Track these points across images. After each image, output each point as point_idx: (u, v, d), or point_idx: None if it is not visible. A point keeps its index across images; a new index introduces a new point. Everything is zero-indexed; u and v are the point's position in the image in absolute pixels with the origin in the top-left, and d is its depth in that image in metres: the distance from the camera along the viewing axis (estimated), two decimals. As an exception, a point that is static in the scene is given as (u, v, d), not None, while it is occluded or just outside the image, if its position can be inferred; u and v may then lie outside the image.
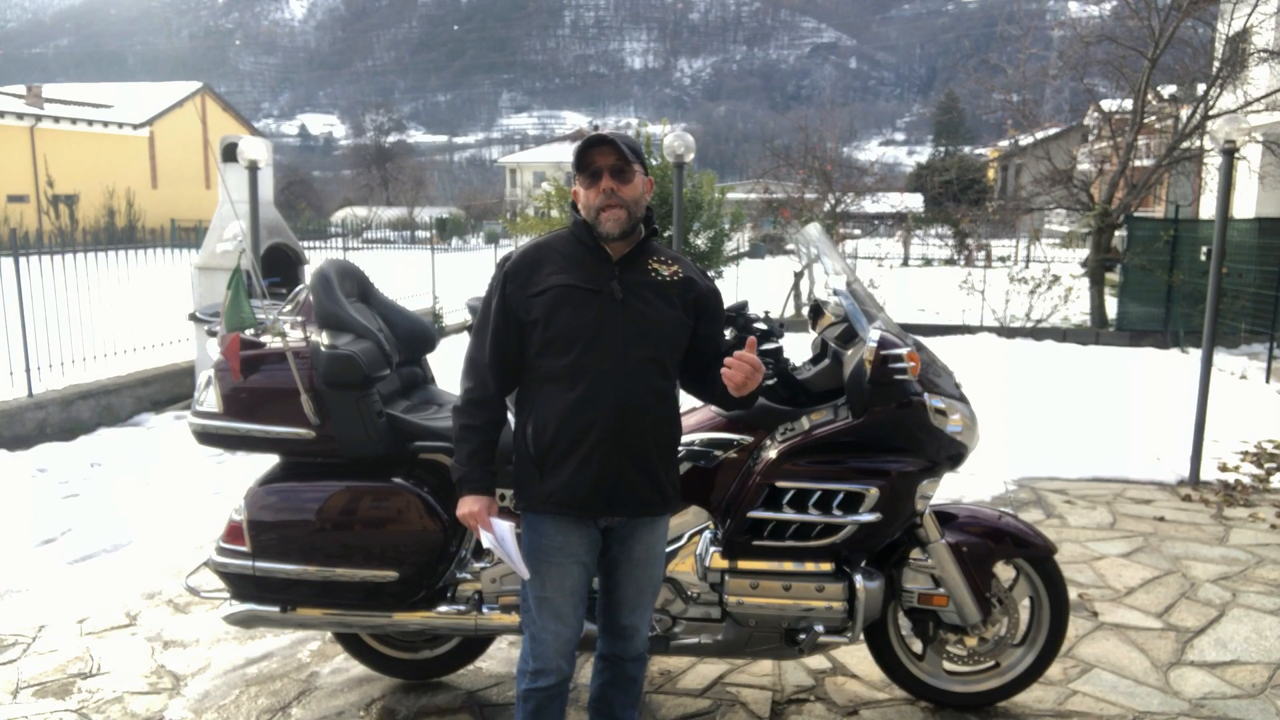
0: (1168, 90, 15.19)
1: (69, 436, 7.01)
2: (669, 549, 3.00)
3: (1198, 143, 13.60)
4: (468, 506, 2.43)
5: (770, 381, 3.06)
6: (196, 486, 5.78)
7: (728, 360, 2.37)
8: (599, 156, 2.38)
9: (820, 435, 2.93)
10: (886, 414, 2.87)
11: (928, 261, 27.86)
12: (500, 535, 2.40)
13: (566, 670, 2.51)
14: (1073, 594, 3.93)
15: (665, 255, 2.50)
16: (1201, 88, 13.55)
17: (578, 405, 2.35)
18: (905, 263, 27.59)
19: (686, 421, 3.08)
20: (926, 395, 2.89)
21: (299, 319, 3.08)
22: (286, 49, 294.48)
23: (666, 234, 11.97)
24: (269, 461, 3.17)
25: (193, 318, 4.45)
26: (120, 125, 42.20)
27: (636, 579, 2.54)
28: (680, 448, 2.91)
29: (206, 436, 3.06)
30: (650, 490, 2.45)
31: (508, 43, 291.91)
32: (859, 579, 2.93)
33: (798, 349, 3.58)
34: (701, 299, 2.50)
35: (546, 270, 2.40)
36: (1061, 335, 12.64)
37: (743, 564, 2.95)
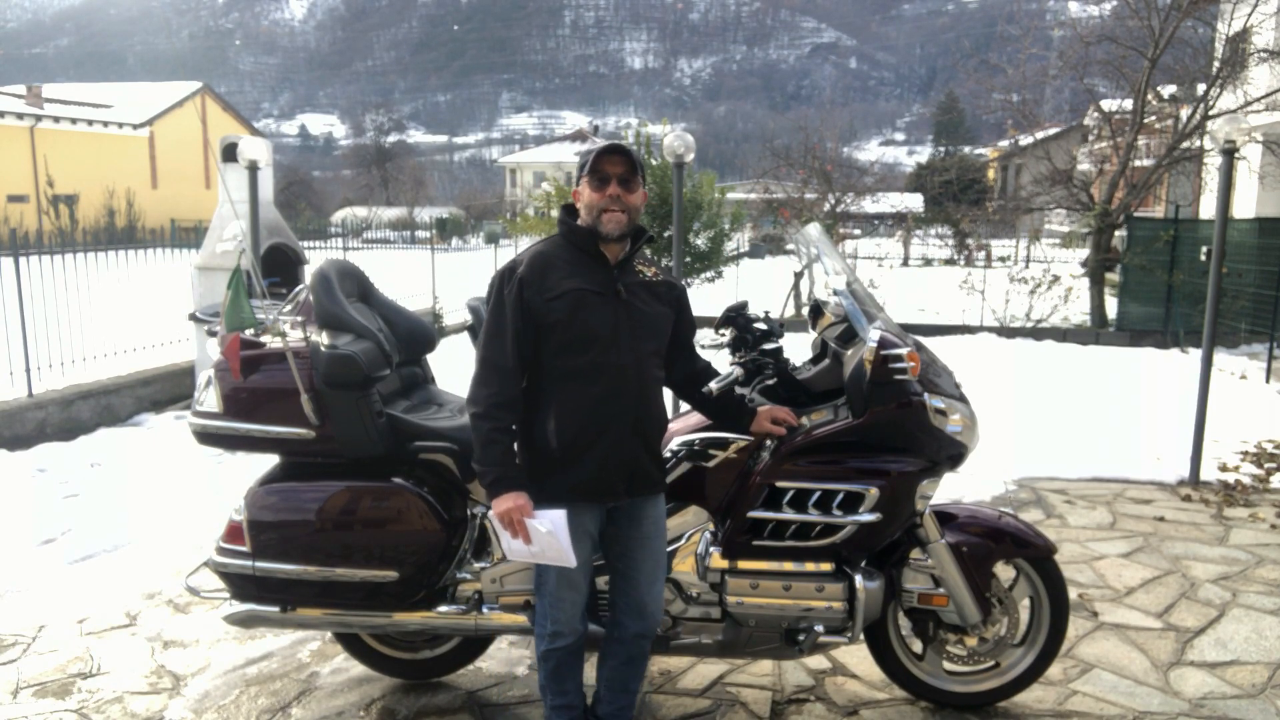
0: (1168, 90, 15.18)
1: (69, 436, 7.01)
2: (669, 549, 3.00)
3: (1198, 143, 13.59)
4: (511, 502, 2.53)
5: (770, 381, 3.07)
6: (196, 486, 5.78)
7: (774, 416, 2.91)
8: (609, 164, 2.56)
9: (820, 435, 2.93)
10: (886, 414, 2.87)
11: (928, 261, 27.84)
12: (555, 523, 2.51)
13: (581, 629, 2.75)
14: (1073, 594, 3.93)
15: (643, 259, 2.73)
16: (1201, 88, 13.54)
17: (601, 399, 2.55)
18: (905, 263, 27.57)
19: (687, 421, 3.09)
20: (926, 395, 2.89)
21: (299, 319, 3.08)
22: (286, 49, 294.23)
23: (666, 234, 11.99)
24: (269, 461, 3.17)
25: (193, 318, 4.45)
26: (120, 125, 42.17)
27: (652, 552, 2.75)
28: (680, 447, 2.93)
29: (206, 436, 3.06)
30: (657, 469, 2.72)
31: (508, 43, 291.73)
32: (859, 579, 2.94)
33: (798, 349, 3.58)
34: (680, 296, 2.80)
35: (556, 276, 2.56)
36: (1061, 335, 12.63)
37: (743, 564, 2.96)
